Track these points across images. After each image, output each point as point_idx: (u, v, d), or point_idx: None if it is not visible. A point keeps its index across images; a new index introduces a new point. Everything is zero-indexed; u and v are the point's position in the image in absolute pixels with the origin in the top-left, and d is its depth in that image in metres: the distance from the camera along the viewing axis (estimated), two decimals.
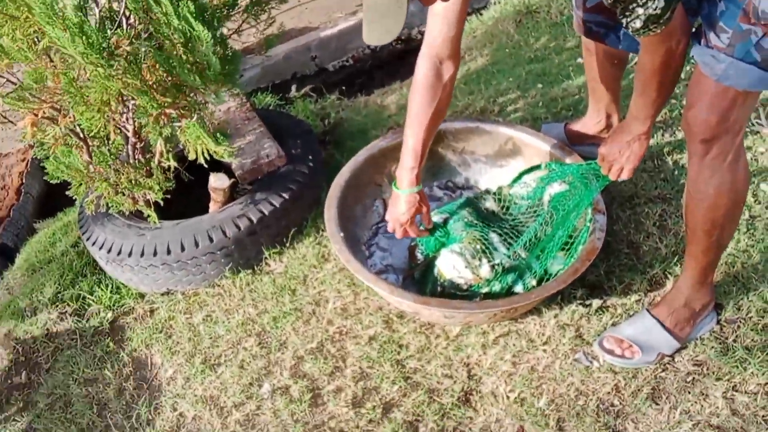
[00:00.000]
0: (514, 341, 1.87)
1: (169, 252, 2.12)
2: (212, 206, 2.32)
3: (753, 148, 2.36)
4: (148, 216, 2.16)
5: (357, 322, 2.01)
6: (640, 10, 1.24)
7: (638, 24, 1.28)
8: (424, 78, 1.76)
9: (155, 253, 2.13)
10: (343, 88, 4.11)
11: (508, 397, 1.76)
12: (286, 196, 2.24)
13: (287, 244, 2.28)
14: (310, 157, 2.41)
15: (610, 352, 1.76)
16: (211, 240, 2.13)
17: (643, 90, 1.57)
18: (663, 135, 2.43)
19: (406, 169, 1.83)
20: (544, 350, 1.83)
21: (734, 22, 1.31)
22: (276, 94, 3.49)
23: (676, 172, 2.27)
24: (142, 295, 2.29)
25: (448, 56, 1.76)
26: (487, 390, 1.79)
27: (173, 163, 2.12)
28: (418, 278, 2.04)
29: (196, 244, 2.12)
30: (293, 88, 4.08)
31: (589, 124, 2.32)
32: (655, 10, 1.24)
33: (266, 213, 2.19)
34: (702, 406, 1.64)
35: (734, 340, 1.75)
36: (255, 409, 1.84)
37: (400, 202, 1.85)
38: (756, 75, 1.34)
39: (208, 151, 1.85)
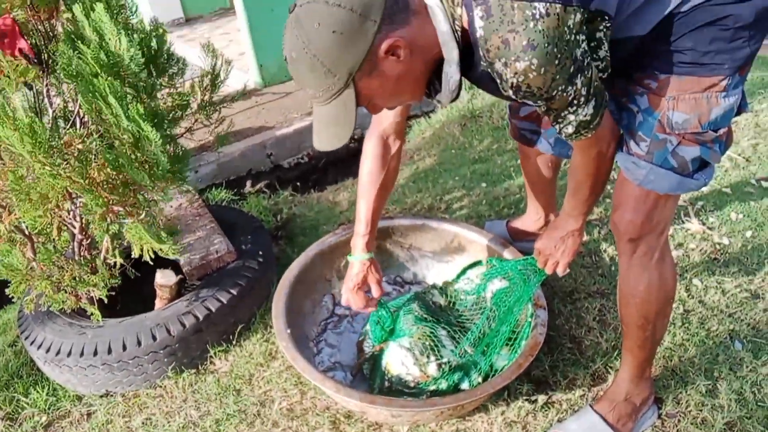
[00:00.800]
0: None
1: (110, 351, 2.06)
2: (158, 303, 2.29)
3: (684, 244, 2.50)
4: (92, 314, 2.11)
5: (303, 423, 1.96)
6: (571, 117, 1.35)
7: (570, 129, 1.39)
8: (373, 149, 1.84)
9: (95, 353, 2.06)
10: (297, 184, 4.21)
11: None
12: (234, 292, 2.24)
13: (234, 342, 2.25)
14: (261, 252, 2.43)
15: None
16: (154, 338, 2.08)
17: (576, 190, 1.67)
18: (600, 232, 2.56)
19: (358, 235, 1.89)
20: None
21: (651, 132, 1.43)
22: (231, 189, 3.55)
23: (612, 268, 2.37)
24: (79, 398, 2.19)
25: (394, 134, 1.85)
26: None
27: (119, 260, 2.11)
28: (367, 373, 2.02)
29: (139, 343, 2.07)
30: (248, 183, 4.16)
31: (528, 221, 2.43)
32: (585, 116, 1.35)
33: (213, 310, 2.17)
34: None
35: None
36: None
37: (352, 268, 1.88)
38: (675, 179, 1.45)
39: (149, 252, 1.85)
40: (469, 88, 4.00)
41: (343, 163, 4.58)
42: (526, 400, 1.93)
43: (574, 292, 2.27)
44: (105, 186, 1.76)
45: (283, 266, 2.54)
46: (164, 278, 2.20)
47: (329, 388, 1.77)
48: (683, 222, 2.64)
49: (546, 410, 1.90)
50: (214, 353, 2.20)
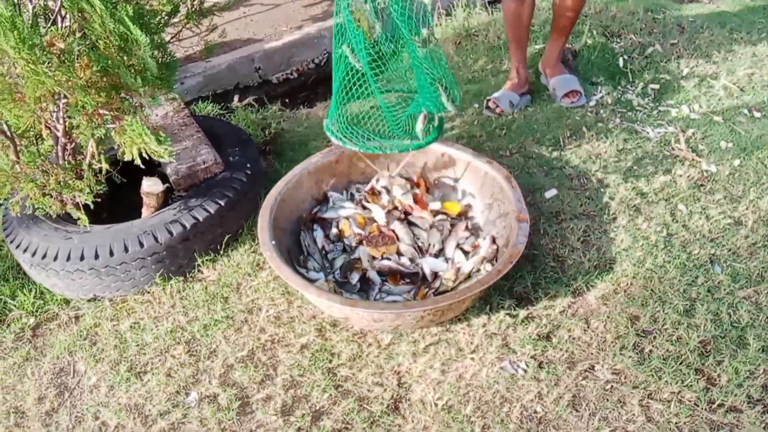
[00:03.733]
0: (444, 349, 1.91)
1: (97, 257, 2.07)
2: (145, 211, 2.28)
3: (672, 170, 2.51)
4: (78, 219, 2.10)
5: (290, 330, 2.01)
6: None
7: None
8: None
9: (82, 258, 2.07)
10: (286, 100, 4.13)
11: (436, 405, 1.79)
12: (221, 203, 2.23)
13: (221, 252, 2.26)
14: (249, 165, 2.41)
15: None
16: (141, 245, 2.09)
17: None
18: (590, 159, 2.55)
19: None
20: (472, 358, 1.88)
21: None
22: (217, 103, 3.47)
23: (600, 191, 2.39)
24: (67, 301, 2.21)
25: None
26: (416, 397, 1.81)
27: (105, 165, 2.08)
28: None
29: (126, 249, 2.08)
30: (236, 98, 4.07)
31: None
32: None
33: (200, 219, 2.17)
34: (619, 413, 1.71)
35: (650, 351, 1.84)
36: (181, 417, 1.81)
37: None
38: None
39: (143, 153, 1.82)
40: (465, 6, 3.87)
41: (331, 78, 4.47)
42: (507, 314, 1.98)
43: (560, 213, 2.29)
44: (91, 87, 1.71)
45: (272, 181, 2.52)
46: (151, 186, 2.18)
47: (311, 293, 1.80)
48: (673, 149, 2.63)
49: (526, 324, 1.95)
50: (202, 262, 2.22)
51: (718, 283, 2.02)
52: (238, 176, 2.35)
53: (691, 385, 1.74)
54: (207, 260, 2.23)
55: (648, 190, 2.39)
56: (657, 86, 3.07)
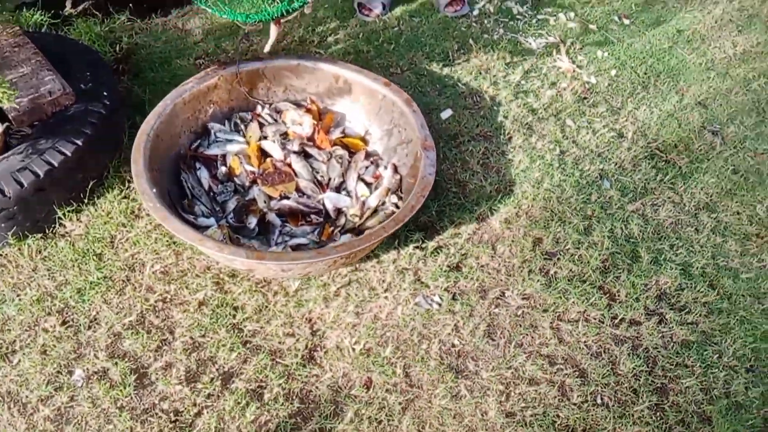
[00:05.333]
0: (356, 291, 1.82)
1: None
2: None
3: (557, 83, 2.52)
4: None
5: (182, 286, 1.80)
6: None
7: None
8: None
9: None
10: (131, 5, 3.58)
11: (353, 350, 1.72)
12: (79, 142, 1.88)
13: (86, 201, 1.94)
14: (105, 93, 2.04)
15: None
16: None
17: None
18: (481, 74, 2.48)
19: None
20: (386, 297, 1.81)
21: None
22: (47, 11, 2.89)
23: (493, 109, 2.34)
24: None
25: None
26: (332, 345, 1.73)
27: None
28: None
29: None
30: (68, 3, 3.45)
31: None
32: None
33: (56, 164, 1.82)
34: (533, 337, 1.75)
35: (555, 273, 1.88)
36: (67, 401, 1.58)
37: None
38: None
39: None
40: None
41: None
42: (416, 247, 1.91)
43: (458, 135, 2.22)
44: None
45: (134, 109, 2.19)
46: None
47: (210, 248, 1.60)
48: (555, 60, 2.63)
49: (435, 256, 1.91)
50: (63, 214, 1.89)
51: (609, 198, 2.10)
52: (94, 108, 1.98)
53: (595, 304, 1.81)
54: (69, 212, 1.91)
55: (537, 106, 2.38)
56: None
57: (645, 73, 2.67)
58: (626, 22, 2.96)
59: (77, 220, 1.92)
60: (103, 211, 1.94)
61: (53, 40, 2.26)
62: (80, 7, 3.27)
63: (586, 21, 2.89)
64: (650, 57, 2.76)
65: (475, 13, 2.80)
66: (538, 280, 1.85)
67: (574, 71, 2.61)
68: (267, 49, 2.01)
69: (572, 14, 2.93)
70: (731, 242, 2.06)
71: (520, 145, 2.21)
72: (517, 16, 2.86)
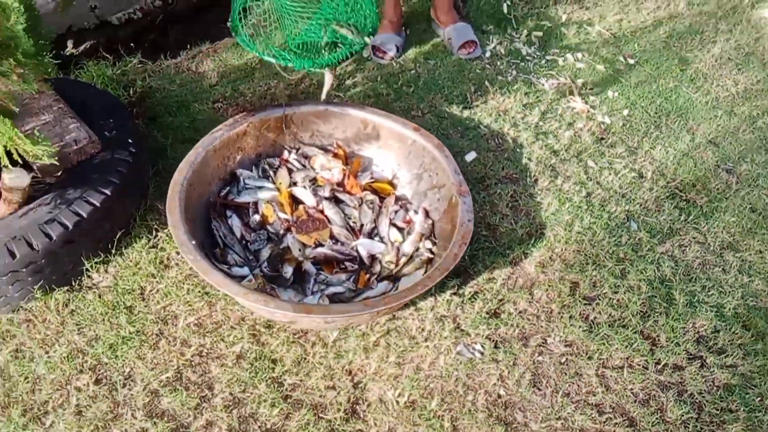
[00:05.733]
0: (396, 340, 1.78)
1: None
2: (3, 208, 1.81)
3: (573, 124, 2.54)
4: None
5: (218, 339, 1.75)
6: None
7: None
8: None
9: None
10: (131, 45, 3.56)
11: (397, 403, 1.68)
12: (107, 191, 1.83)
13: (113, 251, 1.88)
14: (130, 140, 2.00)
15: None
16: (12, 255, 1.66)
17: None
18: (500, 116, 2.49)
19: None
20: (427, 347, 1.78)
21: None
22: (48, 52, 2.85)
23: (516, 151, 2.35)
24: None
25: None
26: (375, 397, 1.68)
27: None
28: None
29: None
30: (69, 44, 3.44)
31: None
32: None
33: (84, 215, 1.77)
34: (579, 386, 1.73)
35: (596, 319, 1.87)
36: None
37: None
38: None
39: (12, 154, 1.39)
40: None
41: (185, 20, 3.94)
42: (453, 293, 1.89)
43: (485, 178, 2.22)
44: None
45: (154, 153, 2.15)
46: (15, 179, 1.71)
47: (255, 302, 1.56)
48: (569, 101, 2.67)
49: (473, 302, 1.88)
50: (91, 266, 1.83)
51: (639, 240, 2.11)
52: (120, 155, 1.94)
53: (638, 349, 1.80)
54: (97, 263, 1.85)
55: (559, 148, 2.40)
56: (540, 34, 3.07)
57: (656, 113, 2.71)
58: (631, 61, 3.02)
59: (105, 271, 1.86)
60: (131, 261, 1.88)
61: (72, 86, 2.22)
62: (80, 48, 3.25)
63: (593, 61, 2.94)
64: (658, 96, 2.81)
65: (488, 55, 2.83)
66: (579, 326, 1.84)
67: (588, 111, 2.65)
68: (323, 96, 2.01)
69: (579, 54, 2.98)
70: (758, 281, 2.08)
71: (547, 187, 2.22)
72: (527, 57, 2.90)
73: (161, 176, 2.11)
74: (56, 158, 1.83)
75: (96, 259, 1.84)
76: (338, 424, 1.62)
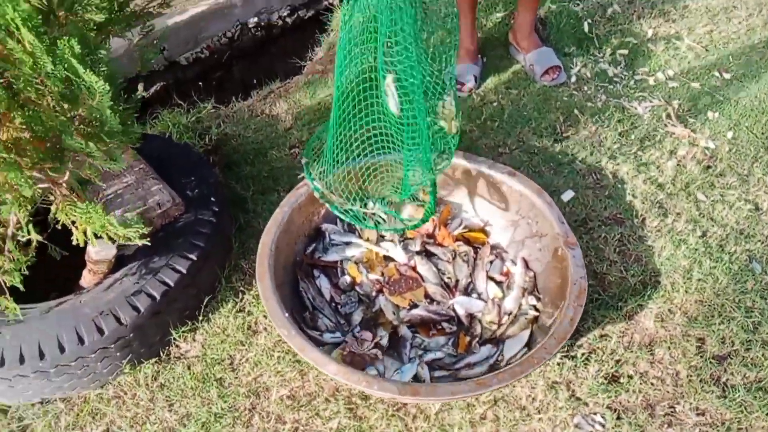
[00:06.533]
0: (504, 413, 1.62)
1: (42, 356, 1.56)
2: (88, 279, 1.76)
3: (675, 152, 2.33)
4: (5, 308, 1.56)
5: (313, 413, 1.63)
6: None
7: None
8: None
9: (22, 360, 1.55)
10: (200, 84, 3.56)
11: None
12: (193, 256, 1.76)
13: (200, 317, 1.80)
14: (213, 199, 1.93)
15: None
16: (101, 332, 1.60)
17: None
18: (595, 148, 2.31)
19: None
20: (540, 419, 1.61)
21: None
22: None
23: (618, 187, 2.16)
24: (4, 410, 1.68)
25: None
26: None
27: (35, 236, 1.54)
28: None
29: (81, 341, 1.58)
30: (140, 87, 3.44)
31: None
32: None
33: (171, 284, 1.70)
34: None
35: (728, 381, 1.66)
36: None
37: None
38: None
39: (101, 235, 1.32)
40: None
41: (250, 57, 3.93)
42: (564, 355, 1.72)
43: (587, 221, 2.04)
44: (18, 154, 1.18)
45: (234, 206, 2.08)
46: (101, 251, 1.66)
47: (358, 383, 1.43)
48: (666, 125, 2.45)
49: (586, 365, 1.71)
50: (179, 335, 1.76)
51: (766, 285, 1.88)
52: (203, 216, 1.87)
53: None
54: (184, 331, 1.77)
55: (663, 181, 2.19)
56: (626, 52, 2.86)
57: (763, 133, 2.46)
58: (727, 76, 2.77)
59: (192, 339, 1.78)
60: (218, 328, 1.80)
61: (151, 141, 2.17)
62: (151, 91, 3.25)
63: (687, 79, 2.71)
64: (763, 114, 2.55)
65: (573, 79, 2.65)
66: (711, 391, 1.64)
67: (689, 136, 2.42)
68: None
69: (670, 72, 2.75)
70: None
71: (657, 228, 2.02)
72: (615, 79, 2.70)
73: (243, 232, 2.03)
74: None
75: (183, 328, 1.77)
76: None
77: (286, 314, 1.53)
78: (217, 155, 2.45)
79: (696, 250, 1.95)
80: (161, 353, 1.75)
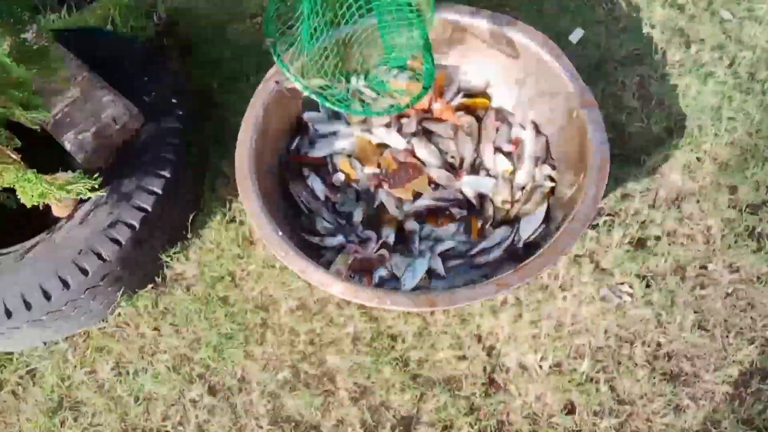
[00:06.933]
0: (526, 295, 1.54)
1: (29, 307, 1.45)
2: (57, 211, 1.60)
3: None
4: None
5: (327, 321, 1.56)
6: None
7: None
8: None
9: (9, 314, 1.45)
10: None
11: (540, 368, 1.47)
12: (166, 173, 1.57)
13: (190, 235, 1.67)
14: (175, 99, 1.68)
15: None
16: (84, 272, 1.47)
17: None
18: None
19: None
20: (565, 297, 1.53)
21: None
22: None
23: (633, 16, 1.87)
24: (9, 356, 1.63)
25: None
26: (514, 364, 1.49)
27: None
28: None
29: (66, 284, 1.46)
30: None
31: None
32: None
33: (149, 208, 1.53)
34: (753, 319, 1.46)
35: (764, 231, 1.55)
36: None
37: None
38: None
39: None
40: None
41: None
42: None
43: (601, 63, 1.80)
44: None
45: (202, 101, 1.84)
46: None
47: (370, 301, 1.32)
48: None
49: (609, 231, 1.59)
50: (170, 257, 1.63)
51: None
52: (168, 123, 1.64)
53: None
54: (176, 253, 1.64)
55: (683, 1, 1.89)
56: None
57: None
58: None
59: (186, 259, 1.66)
60: (211, 243, 1.67)
61: (86, 37, 1.86)
62: None
63: None
64: None
65: None
66: (745, 245, 1.53)
67: None
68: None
69: None
70: None
71: (679, 61, 1.78)
72: None
73: (217, 129, 1.81)
74: (96, 145, 1.57)
75: (173, 250, 1.64)
76: (478, 400, 1.45)
77: (280, 233, 1.38)
78: (170, 36, 2.14)
79: (724, 83, 1.73)
80: (156, 278, 1.64)
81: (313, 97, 1.41)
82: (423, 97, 1.38)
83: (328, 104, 1.40)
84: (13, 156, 1.20)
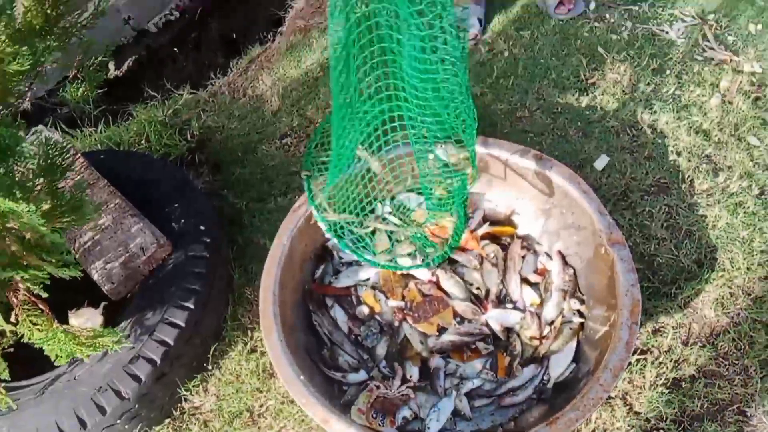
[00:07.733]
0: None
1: None
2: None
3: (718, 83, 2.02)
4: None
5: None
6: None
7: None
8: None
9: None
10: (175, 50, 3.24)
11: None
12: (190, 304, 1.56)
13: (209, 367, 1.64)
14: (203, 227, 1.70)
15: None
16: (102, 411, 1.45)
17: None
18: (627, 95, 2.01)
19: None
20: None
21: None
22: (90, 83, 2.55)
23: (658, 143, 1.88)
24: None
25: None
26: None
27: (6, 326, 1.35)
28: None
29: (82, 424, 1.44)
30: (111, 66, 3.16)
31: None
32: None
33: (171, 342, 1.52)
34: None
35: None
36: None
37: None
38: None
39: None
40: None
41: (224, 9, 3.54)
42: None
43: (627, 192, 1.79)
44: None
45: (229, 221, 1.86)
46: (89, 320, 1.48)
47: None
48: (704, 50, 2.12)
49: (642, 369, 1.53)
50: (187, 389, 1.60)
51: None
52: (195, 252, 1.65)
53: None
54: (194, 385, 1.61)
55: (708, 126, 1.90)
56: None
57: None
58: None
59: (204, 391, 1.63)
60: (231, 375, 1.64)
61: (120, 160, 1.91)
62: (123, 68, 2.97)
63: None
64: None
65: (592, 6, 2.29)
66: None
67: (731, 60, 2.10)
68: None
69: None
70: None
71: (706, 191, 1.76)
72: None
73: (243, 252, 1.82)
74: (123, 275, 1.58)
75: (193, 382, 1.61)
76: None
77: (301, 377, 1.35)
78: (202, 154, 2.20)
79: (755, 214, 1.70)
80: (173, 412, 1.60)
81: (335, 239, 1.42)
82: (447, 256, 1.40)
83: (348, 250, 1.42)
84: (42, 307, 1.20)
